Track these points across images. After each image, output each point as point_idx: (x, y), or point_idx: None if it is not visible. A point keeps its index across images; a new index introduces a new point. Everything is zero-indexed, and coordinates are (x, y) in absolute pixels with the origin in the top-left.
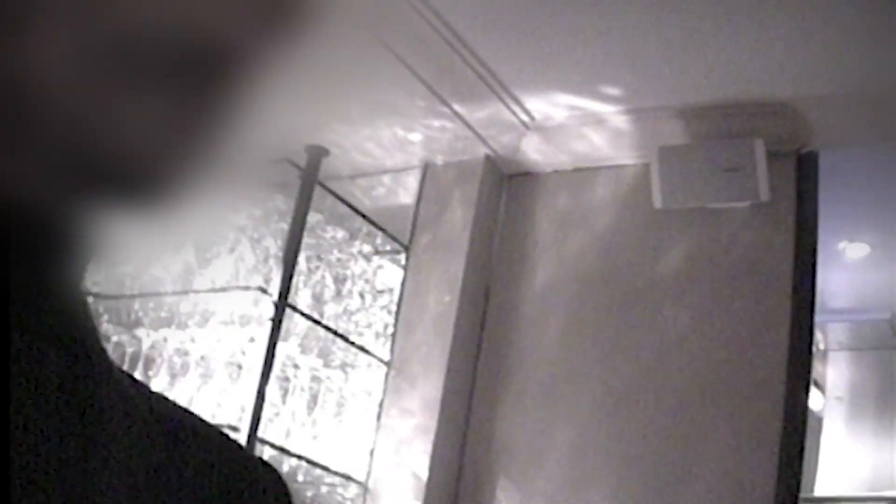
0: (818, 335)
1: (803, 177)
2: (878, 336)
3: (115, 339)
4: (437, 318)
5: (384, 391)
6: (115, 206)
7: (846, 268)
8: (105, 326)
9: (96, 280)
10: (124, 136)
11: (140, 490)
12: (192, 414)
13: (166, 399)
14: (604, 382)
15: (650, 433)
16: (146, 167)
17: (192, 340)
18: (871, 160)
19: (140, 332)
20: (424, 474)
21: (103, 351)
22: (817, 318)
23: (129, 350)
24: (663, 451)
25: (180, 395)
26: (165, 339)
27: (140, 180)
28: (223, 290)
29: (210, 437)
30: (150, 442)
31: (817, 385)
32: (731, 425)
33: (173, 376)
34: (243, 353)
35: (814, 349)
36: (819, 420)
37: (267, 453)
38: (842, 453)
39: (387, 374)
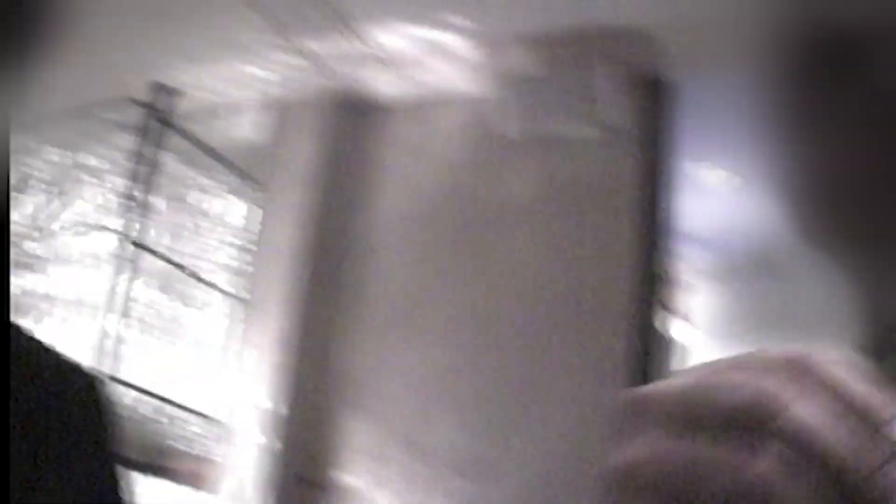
0: (678, 263)
1: (659, 103)
2: (743, 265)
3: None
4: (286, 252)
5: (238, 328)
6: None
7: (707, 195)
8: None
9: None
10: None
11: None
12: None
13: None
14: (452, 312)
15: (499, 359)
16: None
17: (48, 282)
18: (731, 86)
19: None
20: (278, 408)
21: None
22: (680, 248)
23: None
24: (512, 376)
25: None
26: (22, 283)
27: None
28: (75, 230)
29: (22, 341)
30: None
31: (682, 315)
32: (580, 349)
33: (30, 320)
34: (96, 292)
35: (677, 279)
36: (685, 350)
37: (121, 392)
38: None
39: (240, 311)
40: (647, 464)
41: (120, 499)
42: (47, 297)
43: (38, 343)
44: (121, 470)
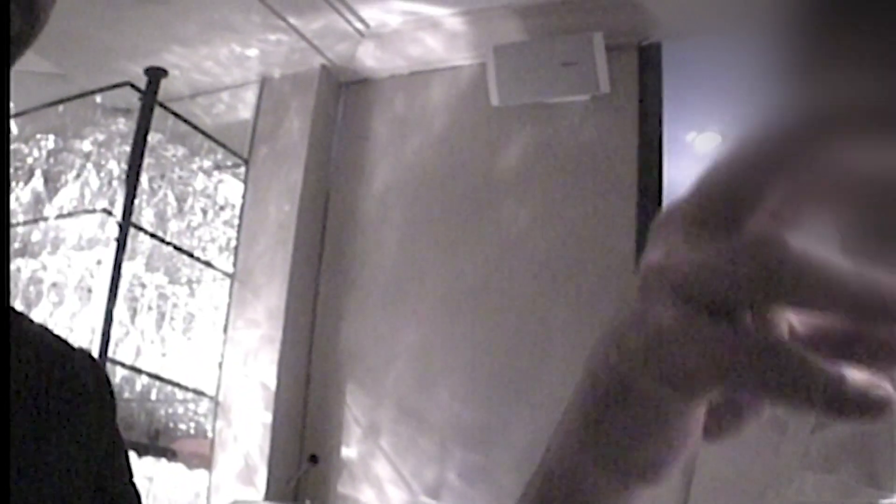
0: None
1: (646, 69)
2: None
3: None
4: (277, 228)
5: (229, 304)
6: None
7: (697, 159)
8: None
9: None
10: None
11: None
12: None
13: None
14: (447, 282)
15: (497, 330)
16: None
17: (44, 268)
18: (717, 50)
19: None
20: (273, 384)
21: None
22: None
23: None
24: (511, 347)
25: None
26: (19, 270)
27: None
28: (71, 215)
29: (28, 330)
30: None
31: None
32: (578, 320)
33: (28, 306)
34: (92, 275)
35: None
36: None
37: (119, 373)
38: None
39: (231, 287)
40: (677, 265)
41: (124, 479)
42: (41, 281)
43: (35, 327)
44: (122, 450)
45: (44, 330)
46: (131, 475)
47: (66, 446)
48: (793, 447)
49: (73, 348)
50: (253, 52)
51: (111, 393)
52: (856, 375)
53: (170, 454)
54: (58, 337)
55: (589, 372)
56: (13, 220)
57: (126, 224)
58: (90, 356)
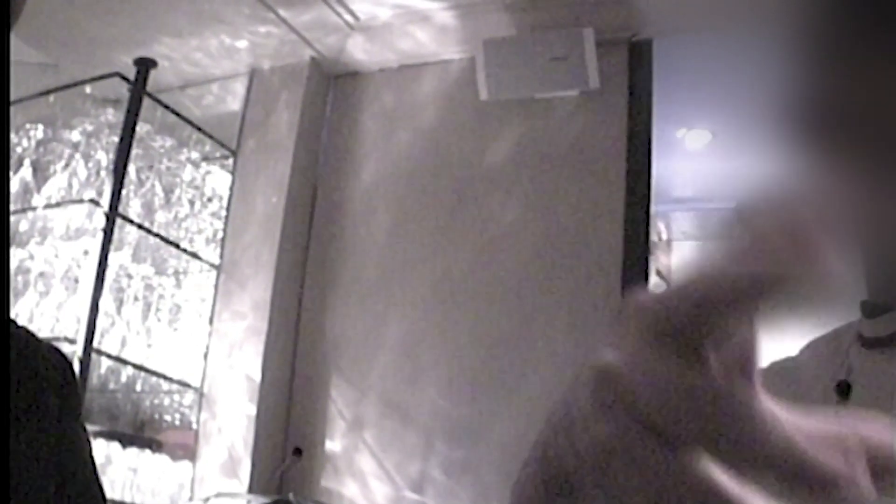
0: (661, 225)
1: (636, 65)
2: (723, 225)
3: None
4: (265, 220)
5: (215, 295)
6: None
7: (687, 156)
8: None
9: None
10: None
11: None
12: None
13: None
14: (434, 276)
15: (483, 324)
16: None
17: (32, 258)
18: (708, 47)
19: None
20: (257, 376)
21: None
22: (660, 208)
23: None
24: (497, 341)
25: (21, 312)
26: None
27: None
28: (58, 205)
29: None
30: None
31: (662, 276)
32: (566, 314)
33: (15, 295)
34: (79, 265)
35: (658, 239)
36: None
37: (104, 364)
38: None
39: (217, 279)
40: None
41: (91, 474)
42: (28, 271)
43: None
44: (88, 444)
45: (10, 322)
46: (96, 469)
47: (30, 438)
48: None
49: (39, 341)
50: (243, 44)
51: (77, 387)
52: None
53: (154, 445)
54: (24, 329)
55: (540, 453)
56: None
57: (113, 214)
58: (57, 350)
